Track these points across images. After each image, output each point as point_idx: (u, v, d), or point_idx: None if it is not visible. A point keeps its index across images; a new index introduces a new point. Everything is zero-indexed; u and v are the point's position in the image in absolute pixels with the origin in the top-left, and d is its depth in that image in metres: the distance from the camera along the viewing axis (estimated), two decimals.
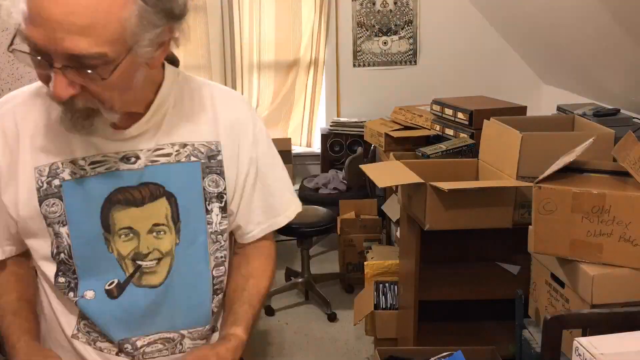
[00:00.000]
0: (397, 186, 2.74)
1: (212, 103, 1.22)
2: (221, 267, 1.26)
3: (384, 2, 4.75)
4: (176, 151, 1.17)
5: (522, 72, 4.66)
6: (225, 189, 1.21)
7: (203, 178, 1.19)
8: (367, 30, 4.79)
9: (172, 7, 1.00)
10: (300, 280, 3.71)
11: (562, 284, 1.82)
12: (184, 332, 1.24)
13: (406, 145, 3.43)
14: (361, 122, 4.37)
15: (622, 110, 3.10)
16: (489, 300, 2.59)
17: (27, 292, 1.25)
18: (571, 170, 1.86)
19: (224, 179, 1.21)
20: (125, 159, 1.14)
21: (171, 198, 1.17)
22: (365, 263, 3.17)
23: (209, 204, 1.20)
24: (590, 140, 2.00)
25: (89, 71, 0.96)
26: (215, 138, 1.21)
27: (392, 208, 3.27)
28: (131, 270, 1.17)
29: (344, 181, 4.37)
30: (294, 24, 4.75)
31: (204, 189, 1.19)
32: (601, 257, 1.70)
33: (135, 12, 0.96)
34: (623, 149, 1.82)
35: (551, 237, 1.76)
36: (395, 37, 4.81)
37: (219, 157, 1.20)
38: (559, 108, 3.33)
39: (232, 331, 1.22)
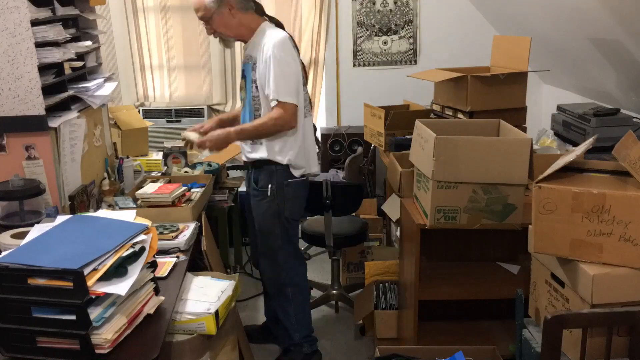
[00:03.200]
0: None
1: (263, 40, 2.59)
2: (257, 111, 2.63)
3: (384, 2, 4.75)
4: (250, 57, 2.65)
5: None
6: (255, 77, 2.61)
7: (251, 70, 2.63)
8: (367, 30, 4.79)
9: None
10: (333, 292, 3.54)
11: (562, 284, 1.82)
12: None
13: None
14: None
15: (622, 110, 3.10)
16: (489, 300, 2.59)
17: None
18: (571, 170, 1.86)
19: (255, 72, 2.61)
20: (244, 59, 2.72)
21: (244, 77, 2.72)
22: (365, 263, 3.17)
23: (252, 82, 2.62)
24: (591, 140, 2.00)
25: (207, 22, 2.60)
26: (255, 55, 2.62)
27: (392, 208, 3.27)
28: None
29: (344, 181, 4.37)
30: (294, 24, 4.74)
31: (251, 76, 2.63)
32: (601, 257, 1.70)
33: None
34: (623, 148, 1.82)
35: (551, 236, 1.76)
36: (395, 37, 4.81)
37: (255, 63, 2.61)
38: (559, 108, 3.33)
39: (229, 128, 2.64)
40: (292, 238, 2.78)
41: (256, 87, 2.59)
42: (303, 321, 2.84)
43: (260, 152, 2.64)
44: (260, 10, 2.68)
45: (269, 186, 2.64)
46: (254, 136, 2.64)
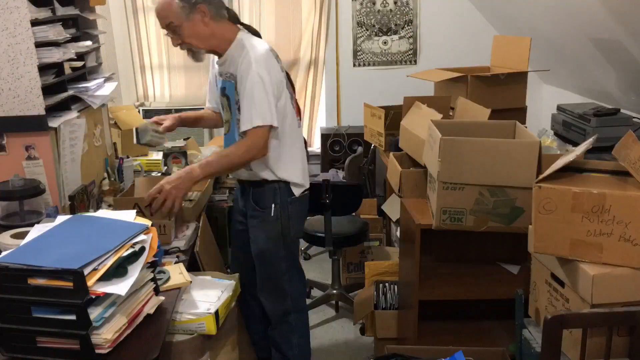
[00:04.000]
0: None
1: (242, 55, 2.27)
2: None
3: (384, 2, 4.75)
4: (230, 74, 2.33)
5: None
6: (237, 97, 2.30)
7: (234, 90, 2.31)
8: (367, 30, 4.79)
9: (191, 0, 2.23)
10: (333, 292, 3.56)
11: (562, 284, 1.82)
12: None
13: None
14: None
15: (622, 110, 3.10)
16: (489, 300, 2.59)
17: None
18: (571, 170, 1.86)
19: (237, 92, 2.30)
20: (221, 76, 2.40)
21: (227, 96, 2.40)
22: (365, 263, 3.17)
23: (235, 103, 2.32)
24: (591, 140, 2.00)
25: (171, 32, 2.27)
26: (235, 72, 2.30)
27: (392, 208, 3.27)
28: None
29: (344, 181, 4.37)
30: (294, 24, 4.75)
31: (234, 96, 2.32)
32: (601, 257, 1.70)
33: (176, 2, 2.21)
34: (623, 148, 1.82)
35: (551, 236, 1.76)
36: (396, 37, 4.81)
37: (237, 82, 2.29)
38: (559, 108, 3.33)
39: (193, 165, 2.25)
40: (296, 260, 2.57)
41: (239, 109, 2.29)
42: (305, 349, 2.63)
43: (261, 171, 2.37)
44: (234, 18, 2.38)
45: (272, 206, 2.39)
46: (224, 170, 2.41)
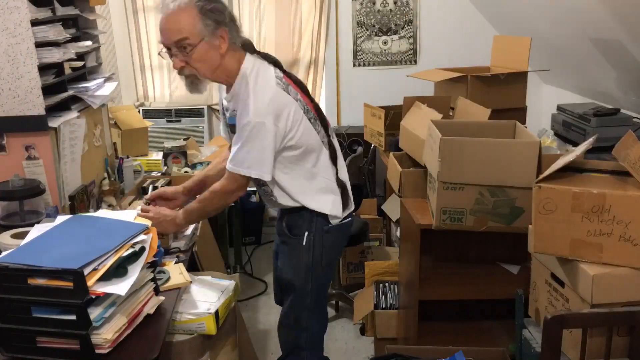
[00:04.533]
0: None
1: (245, 98, 2.02)
2: None
3: (384, 2, 4.75)
4: (235, 112, 2.08)
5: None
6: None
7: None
8: (367, 30, 4.79)
9: (217, 19, 1.96)
10: (333, 292, 3.52)
11: (562, 284, 1.82)
12: None
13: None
14: None
15: (622, 110, 3.10)
16: (489, 300, 2.59)
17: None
18: (571, 170, 1.86)
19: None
20: (230, 111, 2.15)
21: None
22: (365, 263, 3.17)
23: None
24: (591, 140, 2.00)
25: (175, 55, 1.97)
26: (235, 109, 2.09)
27: (392, 208, 3.27)
28: None
29: None
30: (294, 24, 4.75)
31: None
32: (601, 257, 1.70)
33: (196, 19, 1.93)
34: (623, 148, 1.82)
35: (551, 236, 1.76)
36: (396, 37, 4.81)
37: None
38: (559, 108, 3.33)
39: (179, 211, 2.21)
40: (322, 295, 2.32)
41: None
42: None
43: (286, 202, 2.17)
44: (249, 48, 2.10)
45: (305, 234, 2.17)
46: (204, 215, 2.26)
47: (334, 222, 2.20)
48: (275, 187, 2.15)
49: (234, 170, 2.05)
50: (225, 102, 2.18)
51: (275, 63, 2.11)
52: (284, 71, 2.11)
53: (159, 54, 2.05)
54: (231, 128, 2.16)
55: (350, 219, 2.28)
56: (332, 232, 2.20)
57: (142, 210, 2.17)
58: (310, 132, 2.11)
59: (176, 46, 1.95)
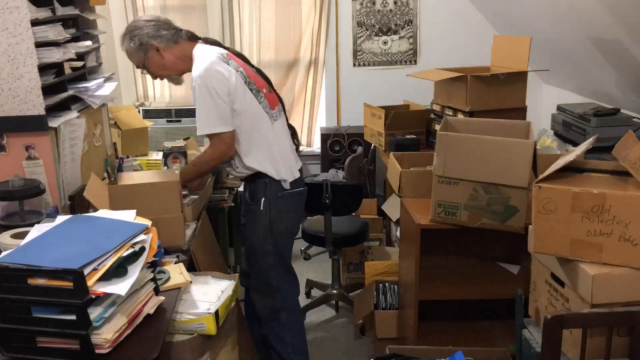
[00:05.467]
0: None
1: (194, 68, 2.39)
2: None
3: (384, 2, 4.75)
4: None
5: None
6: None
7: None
8: (367, 30, 4.79)
9: (141, 42, 2.46)
10: (333, 292, 3.55)
11: (562, 284, 1.82)
12: None
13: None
14: None
15: (622, 110, 3.10)
16: (489, 300, 2.59)
17: None
18: (571, 170, 1.86)
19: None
20: None
21: None
22: (365, 263, 3.17)
23: None
24: (591, 140, 2.00)
25: (144, 70, 2.54)
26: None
27: (392, 208, 3.27)
28: None
29: (344, 180, 4.37)
30: (294, 24, 4.75)
31: None
32: (601, 257, 1.70)
33: (132, 48, 2.48)
34: (623, 148, 1.82)
35: (551, 236, 1.75)
36: (396, 37, 4.81)
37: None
38: (559, 108, 3.33)
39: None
40: (285, 255, 2.57)
41: None
42: (300, 348, 2.61)
43: (237, 167, 2.50)
44: (192, 37, 2.53)
45: (262, 200, 2.46)
46: (197, 174, 2.58)
47: (286, 186, 2.48)
48: (236, 156, 2.46)
49: (206, 132, 2.38)
50: None
51: (216, 43, 2.54)
52: (226, 49, 2.54)
53: (141, 73, 2.60)
54: None
55: (302, 188, 2.58)
56: (285, 198, 2.49)
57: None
58: (252, 101, 2.42)
59: (138, 69, 2.54)
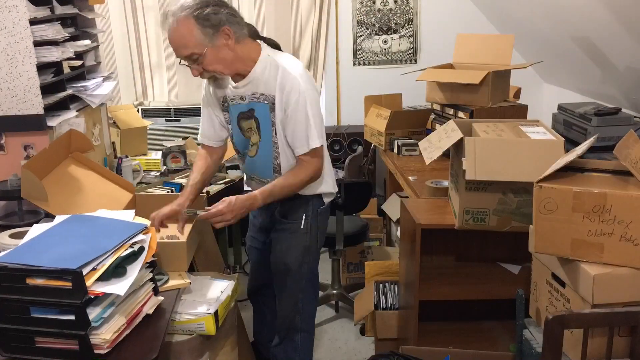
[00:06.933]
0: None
1: (278, 74, 2.10)
2: (276, 160, 2.20)
3: (384, 1, 4.74)
4: (260, 95, 2.14)
5: (523, 71, 4.65)
6: (275, 119, 2.14)
7: (270, 112, 2.14)
8: (367, 29, 4.79)
9: (214, 22, 2.00)
10: (333, 292, 3.53)
11: (563, 284, 1.81)
12: (264, 179, 2.26)
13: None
14: None
15: (623, 110, 3.09)
16: (489, 300, 2.59)
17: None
18: (572, 170, 1.85)
19: (275, 114, 2.14)
20: (240, 98, 2.19)
21: (256, 118, 2.19)
22: (365, 263, 3.16)
23: (272, 125, 2.15)
24: (592, 139, 1.99)
25: (191, 61, 2.04)
26: (272, 93, 2.12)
27: (392, 208, 3.27)
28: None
29: (353, 179, 4.37)
30: (294, 24, 4.74)
31: (270, 118, 2.15)
32: (602, 257, 1.70)
33: (196, 28, 1.98)
34: (624, 147, 1.81)
35: (552, 236, 1.75)
36: (396, 36, 4.80)
37: (274, 103, 2.12)
38: (559, 107, 3.33)
39: (254, 193, 2.11)
40: (316, 276, 2.43)
41: (275, 131, 2.15)
42: None
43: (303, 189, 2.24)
44: (254, 34, 2.17)
45: (303, 217, 2.25)
46: (283, 197, 2.19)
47: (326, 201, 2.33)
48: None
49: (313, 146, 2.11)
50: (229, 92, 2.20)
51: (277, 47, 2.25)
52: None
53: (179, 63, 2.09)
54: (242, 115, 2.21)
55: (332, 198, 2.40)
56: (323, 214, 2.34)
57: (214, 215, 2.02)
58: None
59: (187, 59, 2.03)
